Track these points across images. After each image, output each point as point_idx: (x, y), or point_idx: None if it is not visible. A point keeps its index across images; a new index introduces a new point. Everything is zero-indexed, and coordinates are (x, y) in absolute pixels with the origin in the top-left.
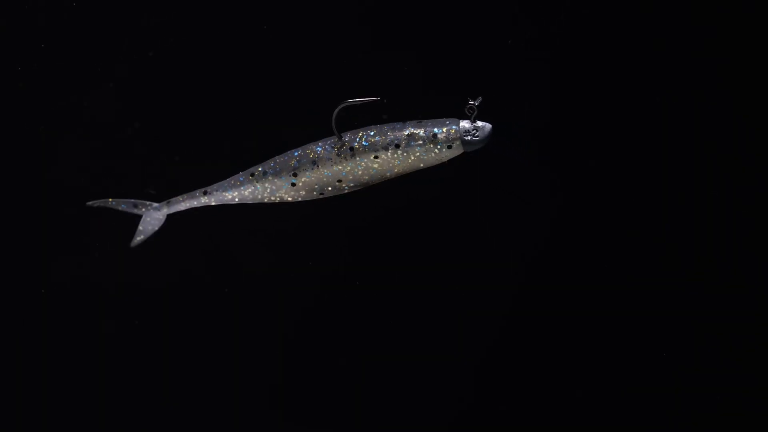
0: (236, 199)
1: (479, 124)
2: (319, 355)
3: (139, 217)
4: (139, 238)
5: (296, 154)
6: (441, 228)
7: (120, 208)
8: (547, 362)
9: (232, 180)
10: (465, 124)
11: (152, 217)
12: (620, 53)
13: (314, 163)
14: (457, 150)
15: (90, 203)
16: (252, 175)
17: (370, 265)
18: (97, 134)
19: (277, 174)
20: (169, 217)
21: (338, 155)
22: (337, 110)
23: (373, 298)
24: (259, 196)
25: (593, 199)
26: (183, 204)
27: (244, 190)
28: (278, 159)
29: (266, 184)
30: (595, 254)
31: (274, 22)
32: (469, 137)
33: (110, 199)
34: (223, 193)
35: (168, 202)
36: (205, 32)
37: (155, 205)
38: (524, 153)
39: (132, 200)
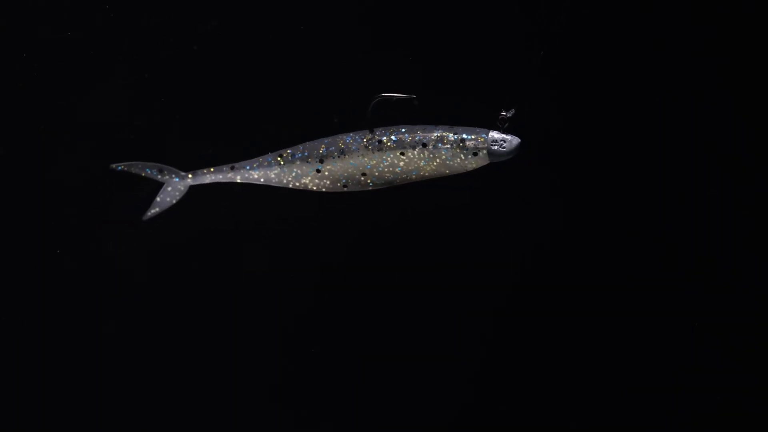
0: (261, 179)
1: (508, 136)
2: (320, 355)
3: (160, 185)
4: (153, 210)
5: (326, 141)
6: (441, 228)
7: (144, 173)
8: (548, 362)
9: (260, 159)
10: (495, 134)
11: (173, 187)
12: (620, 53)
13: (342, 152)
14: (482, 159)
15: (114, 166)
16: (280, 156)
17: (370, 265)
18: (97, 134)
19: (304, 159)
20: (170, 213)
21: (366, 147)
22: (372, 103)
23: (373, 299)
24: (284, 180)
25: (593, 199)
26: (209, 177)
27: (270, 172)
28: (308, 144)
29: (293, 168)
30: (594, 254)
31: (275, 21)
32: (496, 147)
33: (138, 162)
34: (250, 171)
35: (194, 173)
36: (206, 32)
37: (181, 173)
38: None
39: (158, 165)
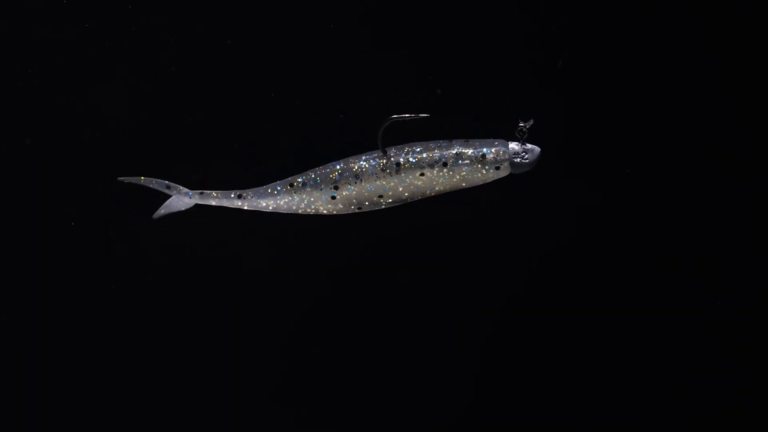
0: (270, 208)
1: (528, 146)
2: (321, 356)
3: (167, 197)
4: (162, 211)
5: (338, 167)
6: (441, 227)
7: (151, 185)
8: (548, 363)
9: (269, 188)
10: (514, 146)
11: (180, 201)
12: (620, 53)
13: (357, 177)
14: (504, 171)
15: (121, 179)
16: (291, 185)
17: (370, 265)
18: (100, 133)
19: (316, 186)
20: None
21: (383, 170)
22: (384, 125)
23: (373, 299)
24: (294, 207)
25: (593, 198)
26: (214, 200)
27: (280, 200)
28: (319, 171)
29: (304, 196)
30: (595, 254)
31: (275, 23)
32: (518, 159)
33: (142, 177)
34: (259, 200)
35: (201, 193)
36: (204, 34)
37: (189, 192)
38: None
39: (166, 181)
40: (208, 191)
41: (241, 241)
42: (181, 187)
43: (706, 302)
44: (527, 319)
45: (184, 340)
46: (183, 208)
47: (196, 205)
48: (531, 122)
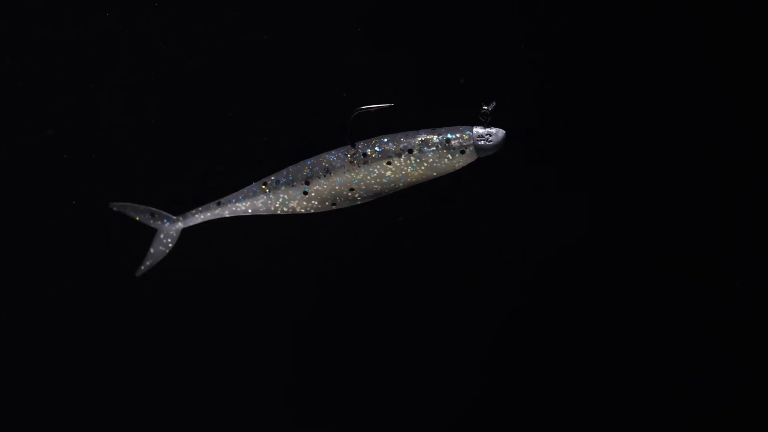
0: (249, 210)
1: (492, 129)
2: (320, 357)
3: (153, 231)
4: (147, 263)
5: (309, 162)
6: (442, 227)
7: (137, 218)
8: (548, 363)
9: (245, 190)
10: (478, 129)
11: (166, 234)
12: (620, 53)
13: (327, 171)
14: (470, 156)
15: (112, 205)
16: (264, 184)
17: (370, 263)
18: (95, 136)
19: (289, 183)
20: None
21: (351, 162)
22: (351, 118)
23: (372, 300)
24: (272, 207)
25: (592, 199)
26: (198, 217)
27: (257, 201)
28: (291, 168)
29: (279, 194)
30: (594, 254)
31: (274, 23)
32: (482, 142)
33: (130, 204)
34: (237, 204)
35: (184, 216)
36: (202, 34)
37: (172, 217)
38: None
39: (150, 209)
40: (189, 212)
41: (230, 243)
42: (165, 214)
43: (706, 302)
44: (526, 320)
45: (180, 339)
46: (171, 246)
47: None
48: (494, 104)
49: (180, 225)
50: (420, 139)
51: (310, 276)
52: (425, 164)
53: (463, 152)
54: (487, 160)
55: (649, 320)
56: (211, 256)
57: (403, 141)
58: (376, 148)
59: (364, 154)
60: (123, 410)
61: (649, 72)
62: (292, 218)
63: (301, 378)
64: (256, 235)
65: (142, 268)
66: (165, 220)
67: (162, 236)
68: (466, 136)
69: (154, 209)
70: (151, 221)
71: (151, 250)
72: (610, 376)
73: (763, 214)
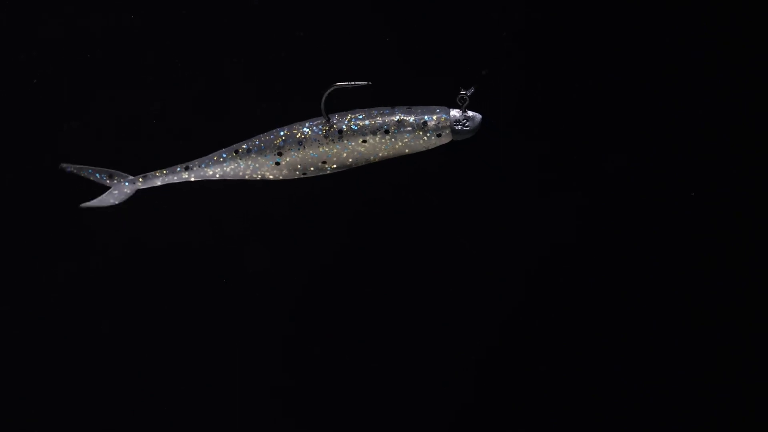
0: (217, 176)
1: (470, 113)
2: (317, 357)
3: (107, 188)
4: (91, 202)
5: (282, 133)
6: (442, 227)
7: (94, 178)
8: (549, 364)
9: (214, 156)
10: (456, 113)
11: (119, 190)
12: (620, 53)
13: (300, 143)
14: (446, 138)
15: (64, 166)
16: (236, 152)
17: (368, 261)
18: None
19: (261, 152)
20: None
21: (325, 137)
22: (326, 93)
23: (373, 297)
24: (241, 173)
25: (592, 198)
26: (159, 179)
27: (227, 167)
28: (263, 137)
29: (249, 162)
30: (595, 254)
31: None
32: (459, 126)
33: (87, 167)
34: (205, 169)
35: (144, 176)
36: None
37: (129, 177)
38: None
39: (109, 170)
40: (151, 172)
41: (234, 233)
42: (124, 175)
43: (706, 302)
44: (526, 321)
45: (178, 339)
46: (119, 200)
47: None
48: (472, 89)
49: (137, 185)
50: (396, 119)
51: (306, 271)
52: (399, 143)
53: (439, 135)
54: (463, 143)
55: (649, 320)
56: (198, 252)
57: (379, 119)
58: (352, 126)
59: (340, 131)
60: (121, 411)
61: (649, 72)
62: (284, 209)
63: (300, 378)
64: (245, 231)
65: (84, 204)
66: (123, 180)
67: (116, 192)
68: (443, 119)
69: (113, 171)
70: (107, 181)
71: (101, 197)
72: (610, 376)
73: (762, 210)
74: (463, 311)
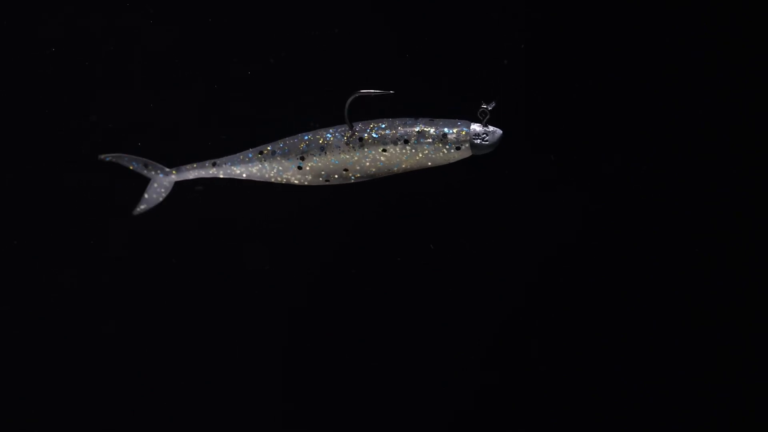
0: (244, 175)
1: (490, 128)
2: (316, 358)
3: (147, 180)
4: (142, 206)
5: (306, 138)
6: (443, 228)
7: (131, 166)
8: (549, 364)
9: (241, 155)
10: (476, 127)
11: (159, 183)
12: (620, 53)
13: (322, 149)
14: (465, 152)
15: (103, 156)
16: (261, 153)
17: (371, 262)
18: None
19: (285, 155)
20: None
21: (347, 144)
22: (350, 100)
23: (372, 297)
24: (266, 175)
25: (592, 198)
26: (192, 173)
27: (252, 167)
28: (288, 141)
29: (274, 164)
30: (595, 254)
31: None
32: (478, 141)
33: (125, 155)
34: (232, 167)
35: (178, 169)
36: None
37: (165, 169)
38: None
39: (144, 159)
40: (184, 166)
41: (233, 237)
42: (159, 165)
43: (706, 302)
44: (526, 321)
45: (176, 338)
46: (163, 196)
47: (187, 201)
48: (493, 104)
49: (173, 177)
50: (417, 129)
51: (308, 272)
52: (420, 155)
53: (458, 148)
54: (482, 157)
55: (649, 320)
56: (201, 250)
57: (401, 129)
58: (373, 134)
59: (361, 139)
60: (120, 411)
61: (648, 72)
62: (291, 208)
63: (299, 377)
64: (250, 229)
65: (139, 209)
66: (159, 171)
67: (156, 185)
68: (463, 133)
69: (148, 160)
70: (145, 171)
71: (146, 196)
72: (610, 376)
73: (762, 210)
74: (463, 311)
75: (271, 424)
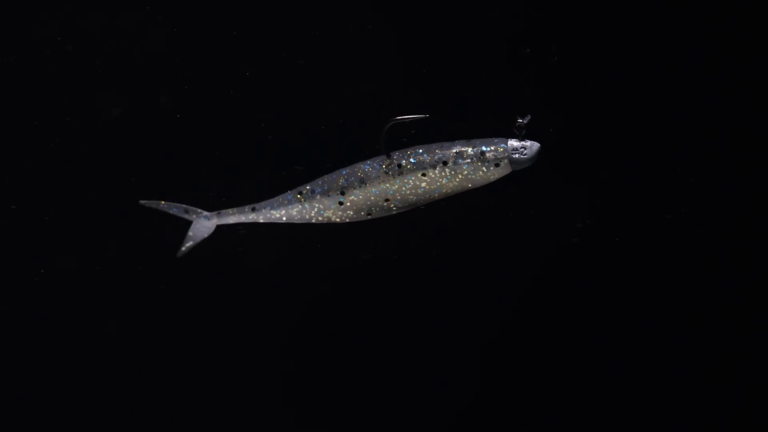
0: (284, 218)
1: (527, 142)
2: (318, 358)
3: (189, 222)
4: (188, 244)
5: (344, 172)
6: (442, 227)
7: (171, 212)
8: (549, 364)
9: (280, 198)
10: (513, 142)
11: (202, 225)
12: (620, 53)
13: (362, 181)
14: (505, 169)
15: (142, 202)
16: (300, 193)
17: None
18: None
19: (324, 193)
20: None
21: (386, 172)
22: (386, 128)
23: (372, 298)
24: (307, 216)
25: (591, 198)
26: (232, 218)
27: (292, 209)
28: (326, 178)
29: (314, 203)
30: (595, 254)
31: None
32: (517, 155)
33: (162, 202)
34: (271, 211)
35: (219, 213)
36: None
37: (206, 213)
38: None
39: (183, 206)
40: (225, 210)
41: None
42: (199, 210)
43: (706, 302)
44: (525, 322)
45: (177, 340)
46: (206, 235)
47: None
48: (528, 117)
49: (215, 221)
50: (455, 151)
51: (311, 277)
52: (460, 176)
53: (497, 165)
54: (521, 173)
55: (648, 320)
56: (211, 255)
57: (438, 152)
58: (411, 160)
59: (399, 165)
60: (119, 411)
61: (648, 72)
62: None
63: (299, 377)
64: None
65: (183, 249)
66: (199, 216)
67: (198, 225)
68: (500, 149)
69: (187, 206)
70: (185, 215)
71: (190, 234)
72: (610, 376)
73: (762, 210)
74: (463, 311)
75: (271, 424)
